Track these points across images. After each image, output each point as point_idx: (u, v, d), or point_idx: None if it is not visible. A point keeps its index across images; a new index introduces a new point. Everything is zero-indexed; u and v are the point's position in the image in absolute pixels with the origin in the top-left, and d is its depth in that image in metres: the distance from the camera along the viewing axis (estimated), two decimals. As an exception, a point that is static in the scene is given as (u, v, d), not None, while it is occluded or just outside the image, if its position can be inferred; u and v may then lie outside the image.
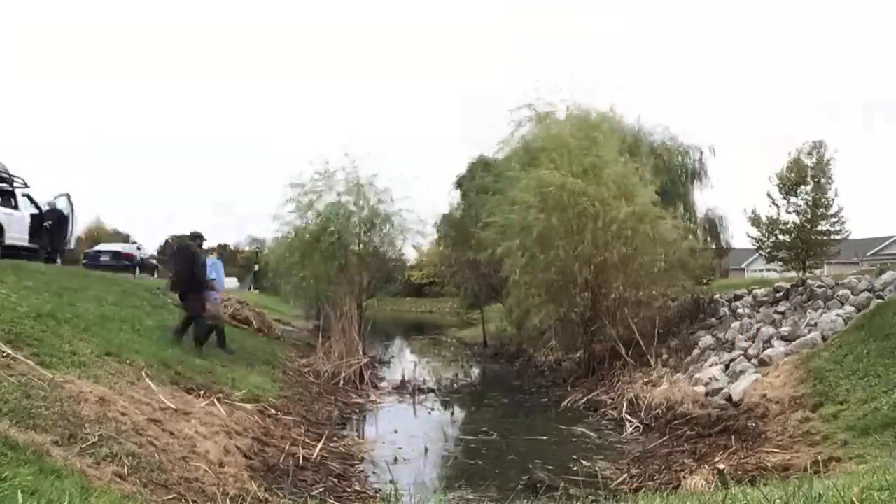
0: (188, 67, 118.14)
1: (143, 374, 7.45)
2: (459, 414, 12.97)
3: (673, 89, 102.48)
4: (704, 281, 17.59)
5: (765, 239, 15.32)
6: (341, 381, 13.92)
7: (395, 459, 8.43)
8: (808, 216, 14.51)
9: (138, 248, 26.19)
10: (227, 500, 5.04)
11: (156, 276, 24.27)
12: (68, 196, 16.15)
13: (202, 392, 8.04)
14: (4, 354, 5.75)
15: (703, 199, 22.31)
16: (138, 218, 69.38)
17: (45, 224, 15.11)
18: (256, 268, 41.49)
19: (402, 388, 14.76)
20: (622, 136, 16.64)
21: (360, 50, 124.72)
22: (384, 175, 16.59)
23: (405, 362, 21.36)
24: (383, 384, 15.71)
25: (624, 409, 11.65)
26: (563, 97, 16.75)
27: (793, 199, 14.74)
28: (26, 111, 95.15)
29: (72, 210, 16.13)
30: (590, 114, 16.32)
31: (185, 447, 5.80)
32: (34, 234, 14.65)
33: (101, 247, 25.99)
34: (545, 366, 18.27)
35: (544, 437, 10.21)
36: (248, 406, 8.40)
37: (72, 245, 17.18)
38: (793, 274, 15.33)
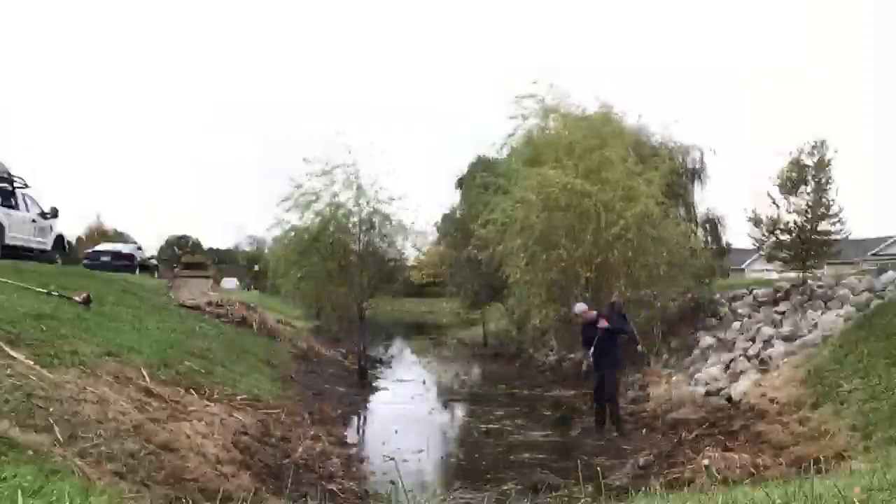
0: (186, 63, 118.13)
1: (143, 374, 7.44)
2: (459, 414, 12.97)
3: (674, 89, 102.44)
4: (705, 281, 17.58)
5: (765, 239, 15.29)
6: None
7: (395, 459, 8.43)
8: (809, 216, 14.47)
9: (138, 248, 26.17)
10: (227, 500, 5.04)
11: (156, 276, 24.26)
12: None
13: (202, 392, 8.04)
14: (4, 354, 5.75)
15: (704, 198, 22.32)
16: (138, 218, 69.46)
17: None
18: (256, 268, 41.51)
19: (402, 387, 14.76)
20: (628, 136, 16.52)
21: (360, 49, 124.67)
22: (384, 173, 16.53)
23: (406, 362, 21.37)
24: (384, 384, 15.72)
25: (624, 409, 11.64)
26: (564, 94, 16.57)
27: (793, 199, 14.70)
28: (26, 110, 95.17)
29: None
30: (595, 112, 16.20)
31: (185, 447, 5.80)
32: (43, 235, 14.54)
33: (101, 247, 25.96)
34: (545, 366, 18.27)
35: (544, 437, 10.20)
36: (249, 406, 8.40)
37: None
38: (793, 274, 15.30)
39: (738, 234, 26.58)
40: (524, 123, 17.12)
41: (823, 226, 14.66)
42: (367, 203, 16.29)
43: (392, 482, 7.19)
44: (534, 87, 16.47)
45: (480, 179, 19.55)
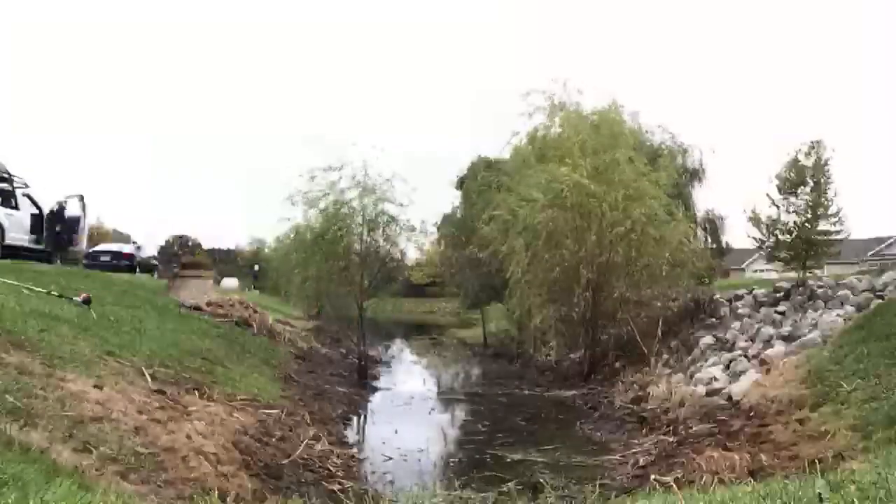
0: (188, 62, 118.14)
1: (144, 373, 7.45)
2: (459, 414, 12.98)
3: (674, 89, 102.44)
4: (705, 281, 17.59)
5: (765, 239, 15.29)
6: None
7: (395, 459, 8.43)
8: (808, 216, 14.48)
9: (138, 248, 26.18)
10: (227, 500, 5.04)
11: (156, 276, 24.26)
12: (81, 197, 16.24)
13: (202, 392, 8.04)
14: (5, 354, 5.75)
15: (704, 199, 22.36)
16: (137, 218, 69.35)
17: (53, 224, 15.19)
18: (257, 267, 41.44)
19: (402, 387, 14.77)
20: (632, 136, 16.51)
21: (361, 49, 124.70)
22: (388, 173, 16.47)
23: (406, 363, 21.37)
24: (384, 384, 15.72)
25: (624, 409, 11.66)
26: (571, 92, 16.54)
27: (792, 200, 14.70)
28: (27, 110, 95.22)
29: (83, 212, 16.27)
30: (601, 111, 16.18)
31: (185, 447, 5.80)
32: (34, 233, 14.67)
33: (101, 247, 25.98)
34: (546, 365, 18.26)
35: (544, 437, 10.20)
36: (249, 406, 8.40)
37: (83, 246, 17.33)
38: (793, 274, 15.30)
39: (738, 235, 26.62)
40: (530, 121, 17.15)
41: (823, 226, 14.66)
42: (373, 203, 16.24)
43: (392, 482, 7.21)
44: (541, 83, 16.54)
45: (482, 178, 19.55)
